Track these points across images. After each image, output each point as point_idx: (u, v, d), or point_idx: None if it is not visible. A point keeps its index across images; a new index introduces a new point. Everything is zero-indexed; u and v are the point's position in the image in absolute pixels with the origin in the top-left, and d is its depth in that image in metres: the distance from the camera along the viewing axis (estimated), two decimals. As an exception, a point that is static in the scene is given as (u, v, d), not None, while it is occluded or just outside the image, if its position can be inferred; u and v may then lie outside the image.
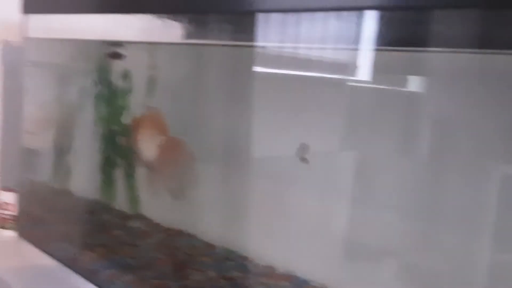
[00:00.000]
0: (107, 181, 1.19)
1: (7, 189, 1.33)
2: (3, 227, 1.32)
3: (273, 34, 0.84)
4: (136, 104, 1.14)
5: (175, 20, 1.07)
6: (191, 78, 1.12)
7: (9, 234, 1.32)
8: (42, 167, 1.32)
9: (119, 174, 1.19)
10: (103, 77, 1.17)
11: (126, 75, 1.14)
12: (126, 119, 1.16)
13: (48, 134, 1.29)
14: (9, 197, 1.31)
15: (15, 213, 1.31)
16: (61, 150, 1.29)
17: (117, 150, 1.18)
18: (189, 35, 1.06)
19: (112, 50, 1.15)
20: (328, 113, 0.90)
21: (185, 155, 1.05)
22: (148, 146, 1.07)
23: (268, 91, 0.98)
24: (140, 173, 1.14)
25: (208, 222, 1.08)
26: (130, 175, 1.15)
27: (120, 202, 1.20)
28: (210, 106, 1.09)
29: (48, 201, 1.31)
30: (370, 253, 0.85)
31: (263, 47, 0.92)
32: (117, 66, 1.17)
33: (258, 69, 0.97)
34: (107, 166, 1.19)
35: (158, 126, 1.07)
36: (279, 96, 0.97)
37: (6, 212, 1.31)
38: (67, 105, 1.27)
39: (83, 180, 1.27)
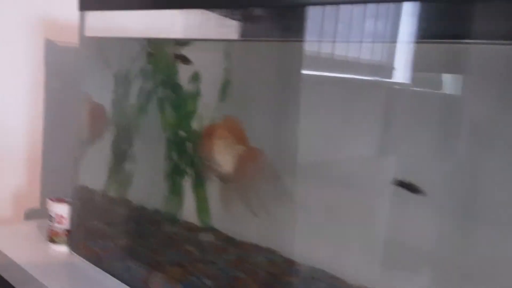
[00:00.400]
0: (173, 190, 1.09)
1: (58, 200, 1.23)
2: (53, 241, 1.22)
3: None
4: (206, 109, 1.04)
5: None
6: (268, 79, 1.02)
7: (61, 249, 1.22)
8: (97, 175, 1.22)
9: (186, 183, 1.09)
10: (169, 78, 1.07)
11: (195, 77, 1.04)
12: (195, 125, 1.06)
13: (104, 140, 1.19)
14: (61, 209, 1.22)
15: (67, 226, 1.21)
16: (120, 157, 1.19)
17: (185, 157, 1.08)
18: (268, 32, 0.96)
19: (180, 52, 1.05)
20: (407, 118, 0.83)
21: (266, 167, 0.94)
22: (224, 157, 0.97)
23: (349, 96, 0.88)
24: (211, 183, 1.04)
25: (289, 237, 0.98)
26: (200, 185, 1.05)
27: (187, 213, 1.10)
28: (290, 111, 0.99)
29: (105, 212, 1.22)
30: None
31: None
32: (184, 66, 1.07)
33: (338, 71, 0.90)
34: (173, 174, 1.08)
35: (236, 135, 0.97)
36: (360, 101, 0.88)
37: (57, 225, 1.21)
38: (127, 109, 1.17)
39: (144, 188, 1.17)
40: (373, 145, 0.91)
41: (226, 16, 1.10)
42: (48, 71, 1.39)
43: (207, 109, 1.05)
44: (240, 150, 0.95)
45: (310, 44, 0.90)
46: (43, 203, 1.44)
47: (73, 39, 1.18)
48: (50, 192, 1.42)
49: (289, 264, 0.98)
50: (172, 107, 1.07)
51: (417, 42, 0.78)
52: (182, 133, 1.08)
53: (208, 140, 1.00)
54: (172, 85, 1.07)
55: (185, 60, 1.06)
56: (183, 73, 1.07)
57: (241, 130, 0.96)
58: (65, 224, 1.22)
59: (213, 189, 1.05)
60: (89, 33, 1.14)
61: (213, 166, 0.97)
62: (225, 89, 1.02)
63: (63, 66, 1.41)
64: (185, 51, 1.08)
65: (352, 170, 0.92)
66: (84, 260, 1.15)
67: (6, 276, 1.15)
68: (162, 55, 1.09)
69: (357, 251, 0.92)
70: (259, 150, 0.95)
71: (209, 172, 1.01)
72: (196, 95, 1.06)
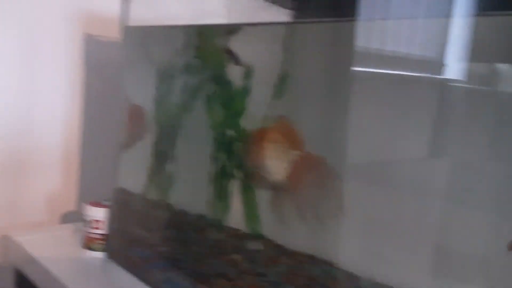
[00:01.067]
0: (220, 194, 1.00)
1: (96, 204, 1.16)
2: (90, 248, 1.14)
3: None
4: (257, 108, 0.95)
5: None
6: (329, 72, 0.92)
7: (98, 255, 1.14)
8: (137, 177, 1.13)
9: (233, 187, 0.99)
10: (218, 73, 0.98)
11: (247, 74, 0.95)
12: (245, 124, 0.97)
13: (146, 139, 1.11)
14: (99, 213, 1.14)
15: (104, 231, 1.13)
16: (161, 158, 1.10)
17: (233, 160, 0.98)
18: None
19: (231, 49, 0.97)
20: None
21: (326, 174, 0.84)
22: (276, 163, 0.87)
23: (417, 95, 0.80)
24: (262, 189, 0.95)
25: (349, 248, 0.88)
26: (249, 190, 0.96)
27: (234, 219, 1.00)
28: (354, 112, 0.89)
29: (144, 217, 1.13)
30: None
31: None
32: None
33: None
34: (220, 177, 0.99)
35: (289, 139, 0.87)
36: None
37: (94, 230, 1.13)
38: (170, 106, 1.09)
39: (187, 192, 1.08)
40: (441, 147, 0.81)
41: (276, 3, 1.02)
42: (87, 67, 1.33)
43: (259, 107, 0.96)
44: (295, 156, 0.85)
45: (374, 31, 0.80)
46: (79, 206, 1.37)
47: (113, 33, 1.10)
48: (86, 195, 1.35)
49: (349, 278, 0.87)
50: (221, 105, 0.98)
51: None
52: (231, 133, 0.99)
53: (258, 144, 0.90)
54: (221, 80, 0.98)
55: (236, 60, 0.97)
56: (234, 68, 0.98)
57: (295, 133, 0.87)
58: (103, 229, 1.14)
59: (263, 193, 0.96)
60: (131, 23, 1.07)
61: (264, 172, 0.88)
62: (281, 84, 0.93)
63: (102, 62, 1.34)
64: (235, 41, 0.99)
65: (420, 176, 0.81)
66: (122, 268, 1.07)
67: (40, 285, 1.07)
68: (210, 47, 1.00)
69: (426, 264, 0.81)
70: (318, 156, 0.85)
71: (260, 180, 0.91)
72: (246, 91, 0.97)
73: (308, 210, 0.85)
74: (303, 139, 0.86)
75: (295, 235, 0.93)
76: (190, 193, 1.09)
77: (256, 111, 0.97)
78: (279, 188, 0.87)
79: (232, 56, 0.98)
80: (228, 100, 0.98)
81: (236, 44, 0.98)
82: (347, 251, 0.89)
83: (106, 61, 1.34)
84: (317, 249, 0.93)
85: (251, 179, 0.95)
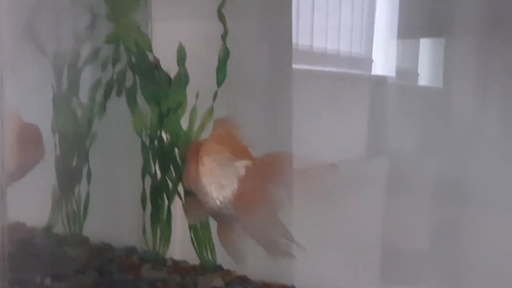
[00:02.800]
0: (156, 218, 0.76)
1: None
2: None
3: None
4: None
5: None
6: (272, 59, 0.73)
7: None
8: (37, 207, 0.86)
9: (174, 207, 0.76)
10: (141, 60, 0.74)
11: (180, 52, 0.73)
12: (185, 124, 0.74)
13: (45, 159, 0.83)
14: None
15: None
16: (70, 179, 0.84)
17: (172, 172, 0.75)
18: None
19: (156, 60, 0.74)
20: None
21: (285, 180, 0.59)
22: (218, 180, 0.61)
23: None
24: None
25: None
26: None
27: (179, 249, 0.77)
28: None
29: (50, 258, 0.85)
30: None
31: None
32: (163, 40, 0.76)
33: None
34: (156, 196, 0.76)
35: (232, 145, 0.62)
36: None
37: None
38: (76, 110, 0.83)
39: (109, 219, 0.83)
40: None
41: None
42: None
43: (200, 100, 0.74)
44: (242, 166, 0.60)
45: None
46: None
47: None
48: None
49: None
50: (150, 100, 0.74)
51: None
52: (167, 136, 0.75)
53: (193, 163, 0.65)
54: (147, 68, 0.74)
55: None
56: (162, 51, 0.75)
57: (238, 137, 0.62)
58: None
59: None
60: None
61: (203, 198, 0.63)
62: (222, 66, 0.71)
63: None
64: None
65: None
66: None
67: None
68: (127, 26, 0.76)
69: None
70: (273, 157, 0.61)
71: (197, 207, 0.65)
72: (184, 80, 0.74)
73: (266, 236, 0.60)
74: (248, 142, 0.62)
75: (260, 263, 0.71)
76: (114, 221, 0.84)
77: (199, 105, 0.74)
78: (225, 214, 0.62)
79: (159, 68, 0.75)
80: (159, 93, 0.74)
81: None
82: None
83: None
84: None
85: (188, 206, 0.70)
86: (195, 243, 0.74)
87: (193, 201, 0.65)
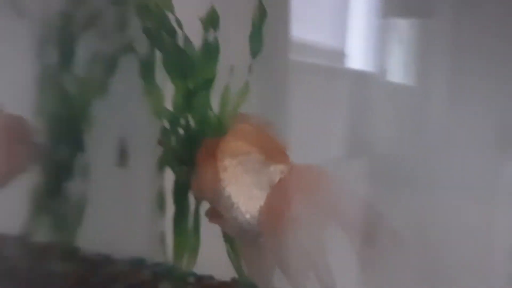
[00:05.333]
0: (179, 223, 0.61)
1: None
2: None
3: None
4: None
5: None
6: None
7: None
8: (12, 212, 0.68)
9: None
10: (159, 23, 0.59)
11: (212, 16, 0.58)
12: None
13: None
14: None
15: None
16: (59, 173, 0.67)
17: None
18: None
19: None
20: None
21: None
22: (244, 190, 0.47)
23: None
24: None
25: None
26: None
27: (205, 261, 0.62)
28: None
29: (29, 271, 0.68)
30: None
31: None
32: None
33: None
34: (179, 195, 0.60)
35: (261, 145, 0.47)
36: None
37: None
38: (71, 89, 0.67)
39: (109, 225, 0.67)
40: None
41: None
42: None
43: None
44: (277, 172, 0.46)
45: None
46: None
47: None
48: None
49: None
50: (174, 76, 0.59)
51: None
52: (193, 121, 0.60)
53: (209, 166, 0.49)
54: (166, 36, 0.59)
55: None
56: (186, 14, 0.60)
57: (268, 133, 0.48)
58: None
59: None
60: None
61: (230, 213, 0.48)
62: (257, 31, 0.58)
63: None
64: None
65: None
66: None
67: None
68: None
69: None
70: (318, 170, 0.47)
71: (218, 221, 0.51)
72: (214, 51, 0.59)
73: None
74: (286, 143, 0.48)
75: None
76: (114, 226, 0.68)
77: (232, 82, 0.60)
78: (252, 233, 0.47)
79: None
80: (187, 66, 0.59)
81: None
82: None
83: None
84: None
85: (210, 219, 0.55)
86: (232, 256, 0.59)
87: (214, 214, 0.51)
